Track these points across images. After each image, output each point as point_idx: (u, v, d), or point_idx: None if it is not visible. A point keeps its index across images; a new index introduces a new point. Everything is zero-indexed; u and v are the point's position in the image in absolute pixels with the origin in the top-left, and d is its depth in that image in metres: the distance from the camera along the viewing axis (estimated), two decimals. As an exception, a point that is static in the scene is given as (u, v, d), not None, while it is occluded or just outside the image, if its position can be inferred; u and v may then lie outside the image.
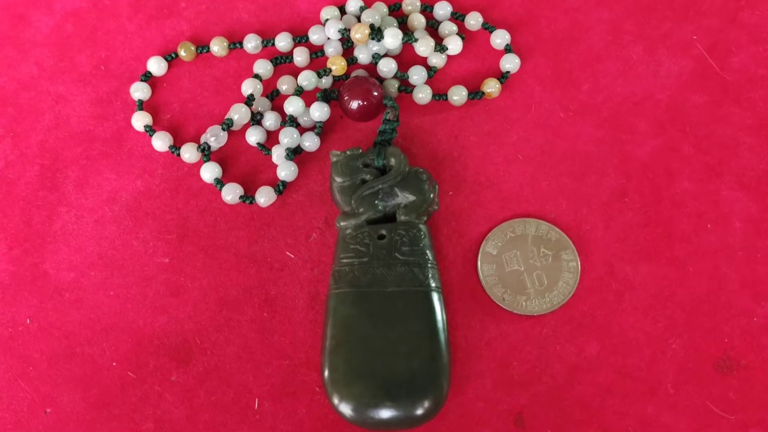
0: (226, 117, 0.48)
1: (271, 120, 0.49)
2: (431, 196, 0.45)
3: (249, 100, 0.49)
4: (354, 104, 0.48)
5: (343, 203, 0.46)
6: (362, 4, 0.51)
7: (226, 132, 0.48)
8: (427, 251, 0.44)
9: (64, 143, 0.50)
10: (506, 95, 0.50)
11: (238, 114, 0.48)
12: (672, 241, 0.46)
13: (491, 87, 0.49)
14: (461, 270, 0.46)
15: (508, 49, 0.51)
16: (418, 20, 0.51)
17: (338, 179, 0.46)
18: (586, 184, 0.48)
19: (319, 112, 0.48)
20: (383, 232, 0.44)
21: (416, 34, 0.51)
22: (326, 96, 0.49)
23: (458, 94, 0.49)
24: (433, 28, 0.52)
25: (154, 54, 0.52)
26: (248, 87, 0.49)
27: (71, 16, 0.53)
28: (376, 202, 0.45)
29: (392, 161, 0.46)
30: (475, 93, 0.49)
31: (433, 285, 0.43)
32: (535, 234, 0.46)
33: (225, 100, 0.51)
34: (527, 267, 0.45)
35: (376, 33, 0.49)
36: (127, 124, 0.50)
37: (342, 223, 0.45)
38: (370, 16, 0.50)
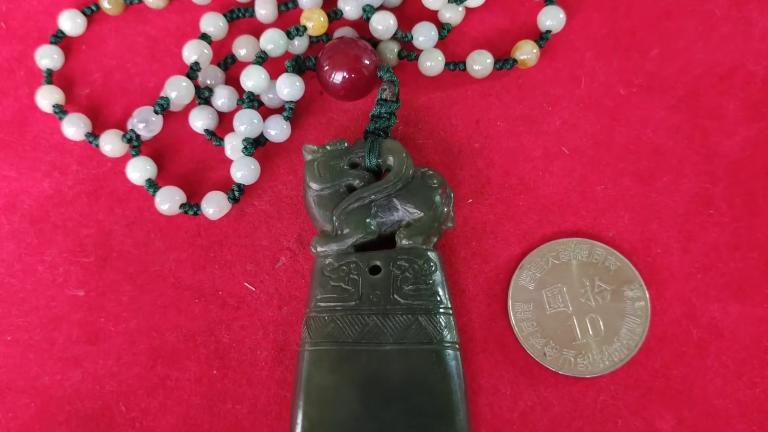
0: (161, 95, 0.34)
1: (223, 98, 0.35)
2: (444, 210, 0.32)
3: (193, 71, 0.34)
4: (337, 76, 0.34)
5: (322, 219, 0.32)
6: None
7: (160, 115, 0.34)
8: (439, 290, 0.31)
9: (-54, 128, 0.36)
10: (546, 64, 0.36)
11: (178, 90, 0.34)
12: (773, 269, 0.33)
13: (526, 52, 0.35)
14: (485, 311, 0.33)
15: (548, 0, 0.36)
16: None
17: (314, 185, 0.32)
18: (656, 188, 0.34)
19: (290, 87, 0.34)
20: (377, 263, 0.31)
21: (423, -22, 0.36)
22: (299, 65, 0.35)
23: (481, 63, 0.35)
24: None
25: (68, 6, 0.37)
26: (192, 52, 0.35)
27: (-40, -48, 0.39)
28: (368, 219, 0.31)
29: (390, 160, 0.32)
30: (504, 60, 0.35)
31: (447, 339, 0.30)
32: (587, 260, 0.33)
33: (163, 69, 0.36)
34: (577, 308, 0.32)
35: (369, -23, 0.35)
36: (32, 103, 0.36)
37: (319, 249, 0.32)
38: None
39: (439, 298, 0.30)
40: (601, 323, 0.32)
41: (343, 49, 0.34)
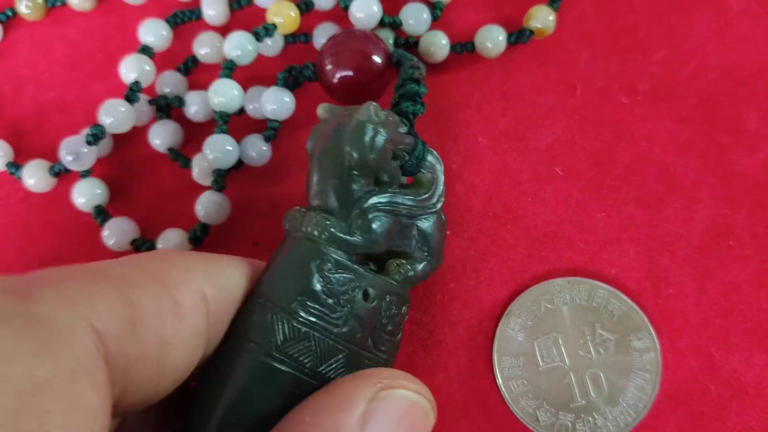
0: (97, 122, 0.28)
1: (196, 105, 0.29)
2: (442, 261, 0.26)
3: (132, 93, 0.28)
4: (342, 77, 0.27)
5: (337, 198, 0.23)
6: None
7: (94, 146, 0.28)
8: (398, 343, 0.24)
9: None
10: (534, 68, 0.30)
11: (114, 117, 0.28)
12: (804, 309, 0.27)
13: (541, 20, 0.29)
14: (466, 367, 0.27)
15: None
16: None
17: (356, 156, 0.22)
18: (666, 216, 0.28)
19: (276, 104, 0.28)
20: (371, 290, 0.23)
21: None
22: (295, 77, 0.29)
23: (493, 40, 0.29)
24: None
25: (-24, 8, 0.31)
26: (131, 69, 0.28)
27: None
28: (382, 231, 0.23)
29: (432, 174, 0.25)
30: (519, 33, 0.29)
31: None
32: (586, 304, 0.27)
33: (102, 76, 0.30)
34: (575, 362, 0.26)
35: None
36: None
37: (327, 231, 0.22)
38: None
39: (394, 353, 0.24)
40: (603, 381, 0.26)
41: (347, 43, 0.27)
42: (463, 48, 0.29)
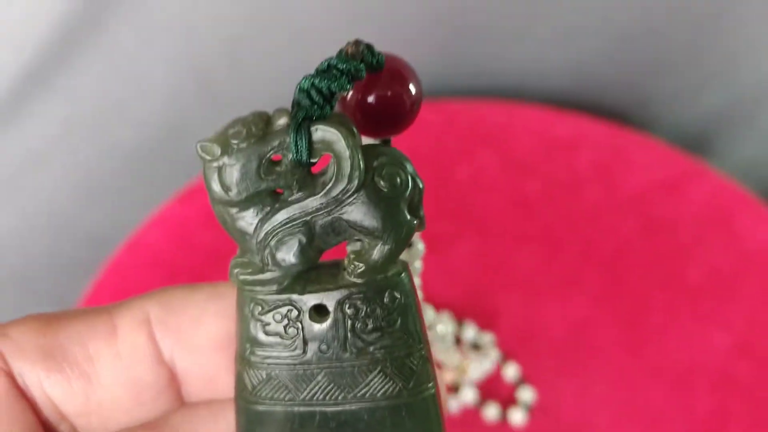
0: None
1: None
2: (414, 223, 0.21)
3: None
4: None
5: (242, 239, 0.21)
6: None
7: None
8: (411, 326, 0.22)
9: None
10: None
11: None
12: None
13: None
14: None
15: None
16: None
17: (221, 197, 0.20)
18: (658, 434, 0.59)
19: None
20: (324, 303, 0.21)
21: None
22: None
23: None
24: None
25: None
26: None
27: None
28: (306, 244, 0.21)
29: (336, 147, 0.19)
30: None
31: (422, 385, 0.22)
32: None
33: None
34: None
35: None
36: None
37: (241, 277, 0.22)
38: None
39: (411, 337, 0.22)
40: None
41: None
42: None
